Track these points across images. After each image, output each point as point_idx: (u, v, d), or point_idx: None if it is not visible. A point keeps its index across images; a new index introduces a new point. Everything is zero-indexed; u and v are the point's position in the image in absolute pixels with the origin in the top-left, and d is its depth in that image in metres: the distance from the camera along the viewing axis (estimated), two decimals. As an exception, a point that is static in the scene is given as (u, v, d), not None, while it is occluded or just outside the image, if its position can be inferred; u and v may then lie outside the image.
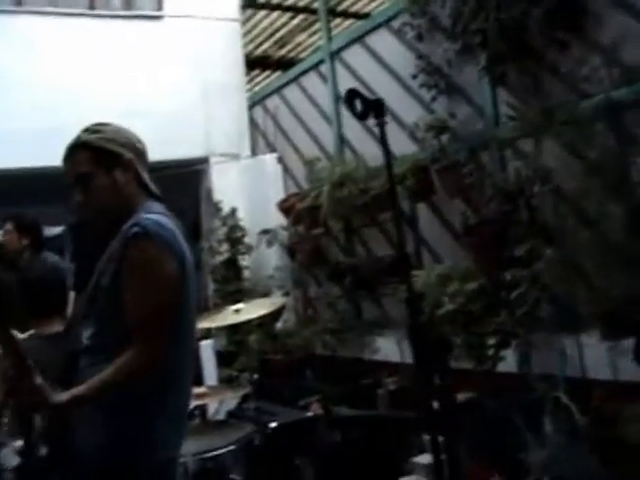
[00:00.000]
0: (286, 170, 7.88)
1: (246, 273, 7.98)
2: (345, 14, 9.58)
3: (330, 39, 7.12)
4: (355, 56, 6.64)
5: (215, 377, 6.79)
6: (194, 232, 8.09)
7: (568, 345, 4.14)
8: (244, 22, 9.13)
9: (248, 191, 8.08)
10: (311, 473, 4.67)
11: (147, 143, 2.81)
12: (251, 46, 9.96)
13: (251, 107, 8.63)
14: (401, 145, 5.40)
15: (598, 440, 3.75)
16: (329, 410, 5.06)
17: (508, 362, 4.46)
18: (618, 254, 3.96)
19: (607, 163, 3.95)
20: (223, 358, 7.15)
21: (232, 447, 4.14)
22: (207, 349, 6.78)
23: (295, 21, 9.67)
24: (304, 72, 7.55)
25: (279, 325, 7.28)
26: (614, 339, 3.90)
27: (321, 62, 7.17)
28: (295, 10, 9.45)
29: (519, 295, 4.27)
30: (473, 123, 5.13)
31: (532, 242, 4.25)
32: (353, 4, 9.48)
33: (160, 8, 8.23)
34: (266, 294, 7.19)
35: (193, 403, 4.32)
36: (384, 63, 6.21)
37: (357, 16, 9.54)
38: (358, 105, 2.76)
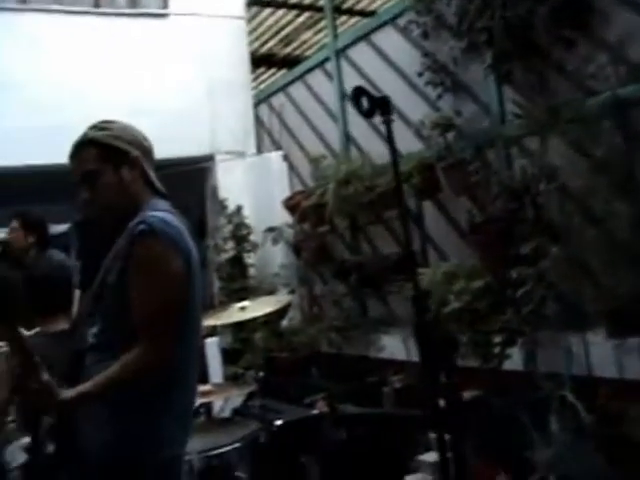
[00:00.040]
0: (292, 168, 7.88)
1: (252, 271, 7.98)
2: (351, 12, 9.56)
3: (336, 37, 7.11)
4: (361, 54, 6.64)
5: (220, 375, 6.79)
6: (199, 230, 8.09)
7: (574, 343, 4.13)
8: (249, 20, 9.12)
9: (254, 189, 8.08)
10: (316, 471, 4.67)
11: (153, 141, 2.81)
12: (256, 44, 9.96)
13: (257, 105, 8.62)
14: (407, 143, 5.40)
15: (604, 438, 3.74)
16: (335, 408, 5.07)
17: (514, 360, 4.45)
18: (624, 252, 3.96)
19: (613, 161, 3.95)
20: (228, 356, 7.15)
21: (237, 445, 4.14)
22: (212, 347, 6.77)
23: (301, 19, 9.66)
24: (310, 70, 7.54)
25: (285, 323, 7.28)
26: (620, 337, 3.90)
27: (327, 60, 7.16)
28: (301, 8, 9.44)
29: (525, 293, 4.26)
30: (479, 121, 5.13)
31: (538, 240, 4.24)
32: (359, 2, 9.46)
33: (165, 6, 8.23)
34: (271, 292, 7.19)
35: (198, 401, 4.32)
36: (390, 61, 6.20)
37: (363, 14, 9.53)
38: (364, 103, 2.76)
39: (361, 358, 6.26)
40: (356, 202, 5.97)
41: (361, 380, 5.91)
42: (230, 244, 7.94)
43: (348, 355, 6.43)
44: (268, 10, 9.42)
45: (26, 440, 2.99)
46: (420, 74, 5.53)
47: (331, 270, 6.80)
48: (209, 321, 4.77)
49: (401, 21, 5.91)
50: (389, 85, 5.97)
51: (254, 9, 9.23)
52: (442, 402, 2.59)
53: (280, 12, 9.51)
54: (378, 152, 5.98)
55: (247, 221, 7.90)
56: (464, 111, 5.23)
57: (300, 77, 7.72)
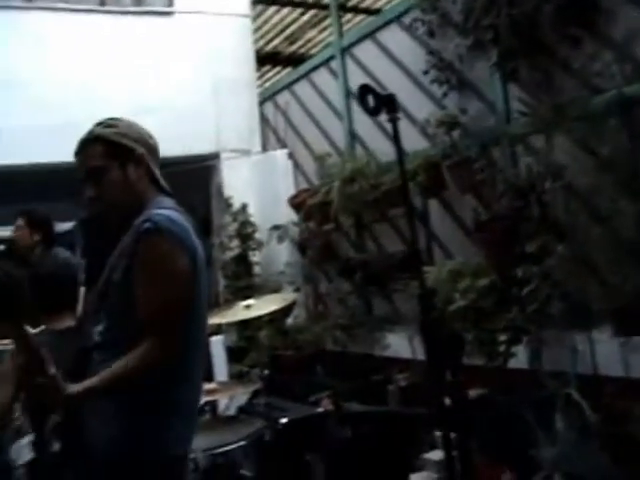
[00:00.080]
0: (297, 166, 7.89)
1: (257, 269, 7.98)
2: (356, 10, 9.58)
3: (341, 35, 7.11)
4: (366, 52, 6.63)
5: (225, 373, 6.80)
6: (205, 228, 8.09)
7: (580, 341, 4.13)
8: (255, 18, 9.13)
9: (259, 187, 8.08)
10: (322, 469, 4.67)
11: (158, 139, 2.81)
12: (262, 42, 9.98)
13: (262, 103, 8.62)
14: (412, 141, 5.39)
15: (609, 437, 3.74)
16: (340, 406, 5.06)
17: (519, 358, 4.44)
18: (630, 250, 3.95)
19: (619, 159, 3.94)
20: (233, 354, 7.16)
21: (242, 443, 4.14)
22: (218, 345, 6.78)
23: (306, 17, 9.67)
24: (315, 68, 7.54)
25: (290, 321, 7.28)
26: (626, 335, 3.90)
27: (332, 58, 7.16)
28: (306, 6, 9.45)
29: (530, 291, 4.25)
30: (484, 119, 5.13)
31: (544, 238, 4.24)
32: (364, 0, 9.46)
33: (171, 4, 8.23)
34: (277, 290, 7.18)
35: (204, 399, 4.32)
36: (395, 59, 6.20)
37: (368, 12, 9.54)
38: (370, 101, 2.75)
39: (366, 356, 6.26)
40: (361, 200, 5.97)
41: (366, 378, 5.91)
42: (235, 242, 7.94)
43: (353, 353, 6.43)
44: (273, 8, 9.44)
45: (32, 438, 3.00)
46: (425, 72, 5.52)
47: (336, 268, 6.80)
48: (214, 319, 4.76)
49: (406, 19, 5.91)
50: (394, 83, 5.97)
51: (259, 7, 9.25)
52: (448, 400, 2.58)
53: (285, 10, 9.52)
54: (383, 150, 5.98)
55: (252, 219, 7.90)
56: (469, 109, 5.22)
57: (305, 75, 7.73)
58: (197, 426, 2.76)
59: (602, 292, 4.09)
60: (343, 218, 6.50)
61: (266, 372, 5.43)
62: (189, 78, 7.91)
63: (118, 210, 2.65)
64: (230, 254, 7.95)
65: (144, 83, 7.56)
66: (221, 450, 4.07)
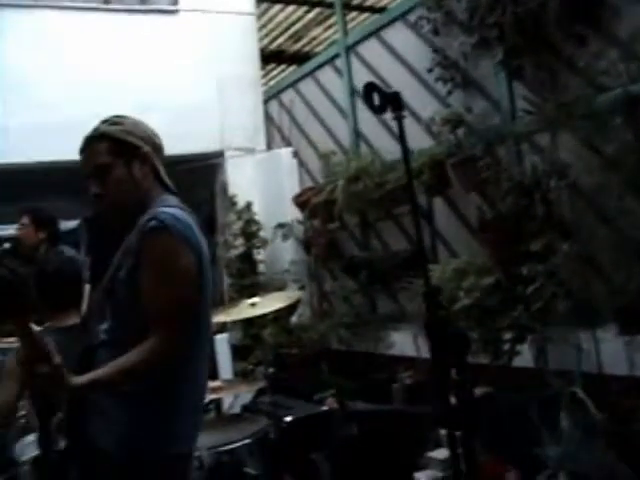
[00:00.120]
0: (301, 164, 7.88)
1: (261, 267, 7.99)
2: (361, 8, 9.57)
3: (346, 33, 7.11)
4: (371, 50, 6.63)
5: (230, 371, 6.81)
6: (209, 226, 8.10)
7: (584, 340, 4.12)
8: (259, 16, 9.13)
9: (263, 185, 8.08)
10: (326, 467, 4.68)
11: (162, 137, 2.81)
12: (266, 40, 9.97)
13: (266, 101, 8.62)
14: (417, 139, 5.39)
15: (614, 436, 3.73)
16: (344, 404, 5.08)
17: (524, 357, 4.44)
18: (635, 249, 3.95)
19: (624, 158, 3.93)
20: (238, 352, 7.17)
21: (247, 441, 4.14)
22: (222, 343, 6.80)
23: (310, 15, 9.66)
24: (319, 66, 7.54)
25: (294, 319, 7.28)
26: (631, 334, 3.89)
27: (337, 56, 7.16)
28: (310, 4, 9.43)
29: (535, 290, 4.25)
30: (489, 117, 5.12)
31: (548, 237, 4.24)
32: (368, -2, 9.48)
33: (175, 2, 8.23)
34: (281, 288, 7.18)
35: (208, 397, 4.33)
36: (400, 57, 6.20)
37: (373, 10, 9.53)
38: (376, 99, 2.75)
39: (371, 354, 6.26)
40: (366, 198, 5.97)
41: (371, 376, 5.92)
42: (240, 240, 7.94)
43: (358, 351, 6.43)
44: (278, 6, 9.43)
45: (37, 435, 3.00)
46: (430, 70, 5.52)
47: (341, 266, 6.80)
48: (219, 317, 4.77)
49: (411, 17, 5.90)
50: (399, 81, 5.97)
51: (264, 5, 9.24)
52: (453, 399, 2.58)
53: (290, 8, 9.51)
54: (388, 148, 5.99)
55: (257, 217, 7.91)
56: (474, 107, 5.22)
57: (310, 73, 7.72)
58: (202, 424, 2.75)
59: (607, 291, 4.10)
60: (348, 216, 6.51)
61: (271, 370, 5.44)
62: (194, 76, 7.91)
63: (123, 208, 2.64)
64: (235, 252, 7.95)
65: (149, 81, 7.55)
66: (226, 448, 4.07)
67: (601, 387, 3.94)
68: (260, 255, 7.98)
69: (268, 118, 8.59)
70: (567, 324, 4.19)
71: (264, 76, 9.62)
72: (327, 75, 7.38)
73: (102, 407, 2.47)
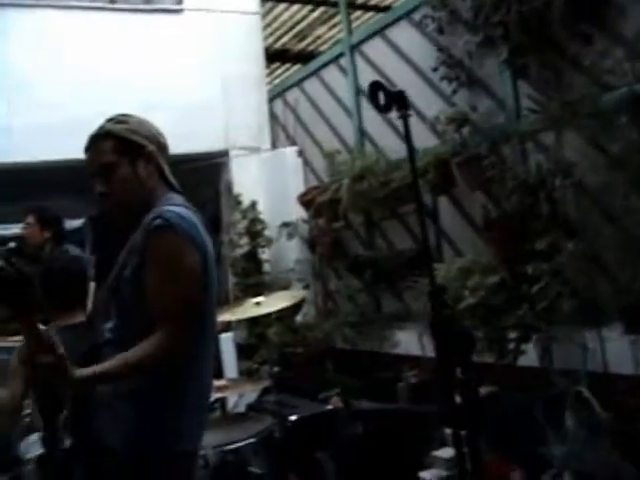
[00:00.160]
0: (306, 163, 7.89)
1: (266, 266, 7.99)
2: (365, 7, 9.58)
3: (350, 32, 7.11)
4: (375, 49, 6.63)
5: (235, 370, 6.81)
6: (214, 225, 8.10)
7: (590, 339, 4.11)
8: (264, 15, 9.14)
9: (268, 184, 8.08)
10: (331, 466, 4.68)
11: (167, 136, 2.81)
12: (271, 39, 9.98)
13: (271, 100, 8.63)
14: (422, 138, 5.38)
15: (619, 435, 3.73)
16: (349, 403, 5.07)
17: (529, 356, 4.44)
18: (640, 248, 3.95)
19: (630, 156, 3.92)
20: (243, 351, 7.17)
21: (252, 440, 4.15)
22: (227, 342, 6.80)
23: (315, 14, 9.67)
24: (324, 65, 7.54)
25: (299, 318, 7.28)
26: (636, 333, 3.89)
27: (341, 55, 7.15)
28: (315, 3, 9.44)
29: (540, 289, 4.24)
30: (494, 116, 5.11)
31: (553, 236, 4.23)
32: (373, -4, 9.47)
33: (180, 2, 8.24)
34: (286, 287, 7.18)
35: (213, 396, 4.33)
36: (404, 56, 6.19)
37: (377, 9, 9.54)
38: (381, 98, 2.75)
39: (375, 353, 6.26)
40: (371, 197, 5.97)
41: (376, 376, 5.92)
42: (245, 239, 7.94)
43: (363, 350, 6.43)
44: (282, 5, 9.44)
45: (42, 433, 3.01)
46: (435, 69, 5.52)
47: (346, 265, 6.80)
48: (224, 316, 4.77)
49: (416, 16, 5.90)
50: (404, 80, 5.96)
51: (268, 4, 9.25)
52: (458, 398, 2.58)
53: (294, 7, 9.52)
54: (392, 147, 5.99)
55: (262, 216, 7.90)
56: (479, 106, 5.21)
57: (315, 72, 7.72)
58: (207, 423, 2.76)
59: (612, 290, 4.09)
60: (352, 215, 6.51)
61: (276, 369, 5.44)
62: (198, 75, 7.92)
63: (128, 207, 2.64)
64: (240, 251, 7.96)
65: (153, 81, 7.56)
66: (231, 447, 4.08)
67: (606, 386, 3.94)
68: (265, 254, 7.99)
69: (273, 117, 8.59)
70: (572, 323, 4.19)
71: (269, 75, 9.63)
72: (332, 74, 7.38)
73: (108, 405, 2.47)
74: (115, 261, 2.59)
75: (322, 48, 10.12)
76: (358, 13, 9.49)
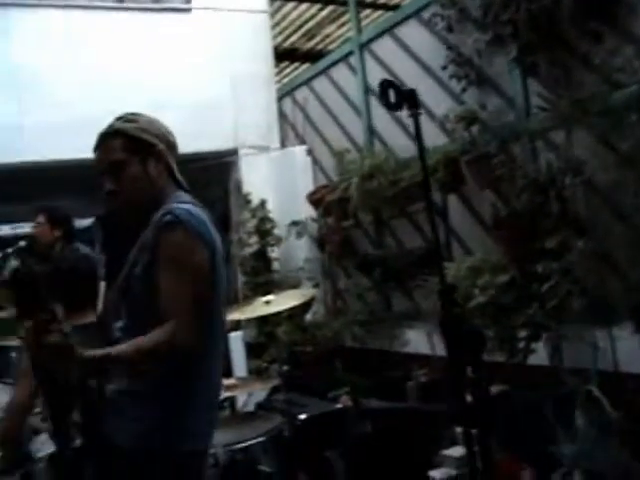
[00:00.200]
0: (315, 162, 7.89)
1: (275, 265, 7.99)
2: (374, 5, 9.56)
3: (359, 30, 7.11)
4: (385, 47, 6.62)
5: (244, 368, 6.81)
6: (223, 224, 8.10)
7: (600, 338, 4.11)
8: (273, 14, 9.13)
9: (277, 183, 8.09)
10: (340, 465, 4.68)
11: (176, 135, 2.81)
12: (280, 38, 9.97)
13: (280, 99, 8.63)
14: (431, 137, 5.36)
15: (630, 434, 3.72)
16: (358, 402, 5.07)
17: (539, 355, 4.43)
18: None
19: (640, 154, 3.92)
20: (253, 349, 7.17)
21: (261, 439, 4.15)
22: (237, 340, 6.79)
23: (324, 12, 9.65)
24: (333, 64, 7.53)
25: (309, 317, 7.29)
26: (647, 332, 3.88)
27: (350, 54, 7.15)
28: (324, 2, 9.42)
29: (550, 287, 4.24)
30: (504, 114, 5.10)
31: (563, 234, 4.22)
32: (382, -5, 9.46)
33: (188, 1, 8.25)
34: (295, 286, 7.19)
35: (223, 394, 4.34)
36: (414, 54, 6.19)
37: (386, 7, 9.52)
38: (392, 96, 2.74)
39: (385, 352, 6.26)
40: (380, 196, 5.97)
41: (385, 374, 5.91)
42: (254, 238, 7.95)
43: (372, 349, 6.44)
44: (291, 4, 9.43)
45: (53, 432, 3.01)
46: (444, 67, 5.51)
47: (355, 264, 6.81)
48: (233, 315, 4.77)
49: (425, 14, 5.89)
50: (413, 79, 5.94)
51: (277, 3, 9.25)
52: (469, 397, 2.58)
53: (303, 6, 9.51)
54: (402, 146, 5.98)
55: (271, 215, 7.91)
56: (489, 104, 5.20)
57: (324, 71, 7.72)
58: (217, 422, 2.76)
59: (623, 288, 4.08)
60: (362, 214, 6.51)
61: (285, 368, 5.45)
62: (207, 74, 7.92)
63: (138, 205, 2.64)
64: (249, 250, 7.96)
65: (162, 80, 7.57)
66: (240, 446, 4.08)
67: (617, 385, 3.93)
68: (274, 253, 7.99)
69: (282, 116, 8.59)
70: (582, 322, 4.18)
71: (278, 74, 9.63)
72: (341, 73, 7.38)
73: (118, 405, 2.48)
74: (125, 260, 2.59)
75: (331, 47, 10.11)
76: (367, 11, 9.47)
